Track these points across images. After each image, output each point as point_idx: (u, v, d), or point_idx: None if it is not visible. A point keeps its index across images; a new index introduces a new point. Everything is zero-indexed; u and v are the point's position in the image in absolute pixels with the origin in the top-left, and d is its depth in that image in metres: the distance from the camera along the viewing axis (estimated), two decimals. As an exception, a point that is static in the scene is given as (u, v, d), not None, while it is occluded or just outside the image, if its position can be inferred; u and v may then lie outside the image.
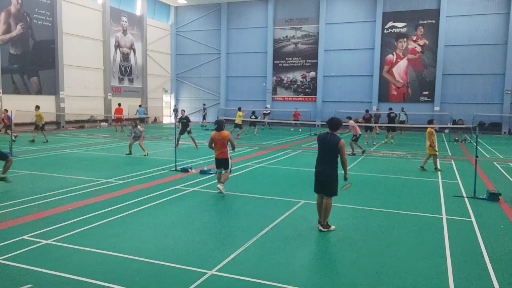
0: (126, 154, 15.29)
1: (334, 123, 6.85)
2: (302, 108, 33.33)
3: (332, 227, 6.86)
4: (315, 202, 7.78)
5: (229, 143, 9.33)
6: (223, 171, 9.38)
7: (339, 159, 6.72)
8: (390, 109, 23.15)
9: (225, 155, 9.28)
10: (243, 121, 23.07)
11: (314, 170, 6.99)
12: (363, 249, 6.02)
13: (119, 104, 27.07)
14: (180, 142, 18.00)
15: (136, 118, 23.37)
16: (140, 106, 27.97)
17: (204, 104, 35.67)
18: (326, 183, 6.74)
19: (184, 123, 18.07)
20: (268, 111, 32.51)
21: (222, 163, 9.32)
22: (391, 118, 22.26)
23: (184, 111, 19.18)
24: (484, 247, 6.17)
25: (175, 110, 33.57)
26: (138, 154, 15.23)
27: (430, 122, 13.33)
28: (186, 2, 36.77)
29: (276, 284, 4.81)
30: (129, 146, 15.54)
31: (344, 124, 9.08)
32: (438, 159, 13.21)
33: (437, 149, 12.95)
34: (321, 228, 6.80)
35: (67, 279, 4.85)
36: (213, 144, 9.38)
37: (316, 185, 6.92)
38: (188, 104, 38.49)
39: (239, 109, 23.77)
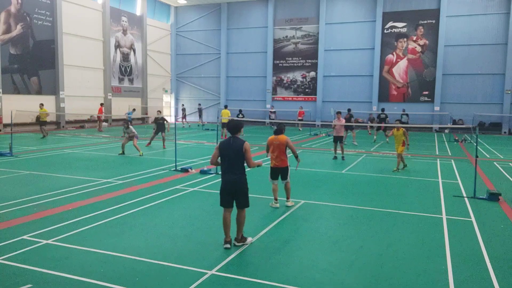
0: (119, 154, 15.41)
1: (233, 126, 6.02)
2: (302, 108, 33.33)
3: (249, 239, 6.14)
4: (315, 202, 7.77)
5: (288, 148, 8.37)
6: (280, 181, 8.39)
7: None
8: (383, 110, 23.44)
9: (285, 163, 8.33)
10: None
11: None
12: (363, 249, 6.02)
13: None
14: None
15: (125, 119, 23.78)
16: (134, 110, 28.11)
17: (199, 104, 35.59)
18: (240, 193, 5.95)
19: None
20: (274, 110, 32.46)
21: (281, 172, 8.35)
22: (381, 119, 22.73)
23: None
24: (484, 247, 6.17)
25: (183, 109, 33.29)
26: (133, 155, 15.23)
27: (404, 122, 13.38)
28: (186, 2, 36.75)
29: (276, 284, 4.82)
30: (122, 146, 15.71)
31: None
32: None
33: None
34: (236, 243, 5.99)
35: (67, 279, 4.86)
36: (269, 150, 8.41)
37: (225, 197, 5.98)
38: (188, 104, 38.44)
39: (226, 107, 23.78)
